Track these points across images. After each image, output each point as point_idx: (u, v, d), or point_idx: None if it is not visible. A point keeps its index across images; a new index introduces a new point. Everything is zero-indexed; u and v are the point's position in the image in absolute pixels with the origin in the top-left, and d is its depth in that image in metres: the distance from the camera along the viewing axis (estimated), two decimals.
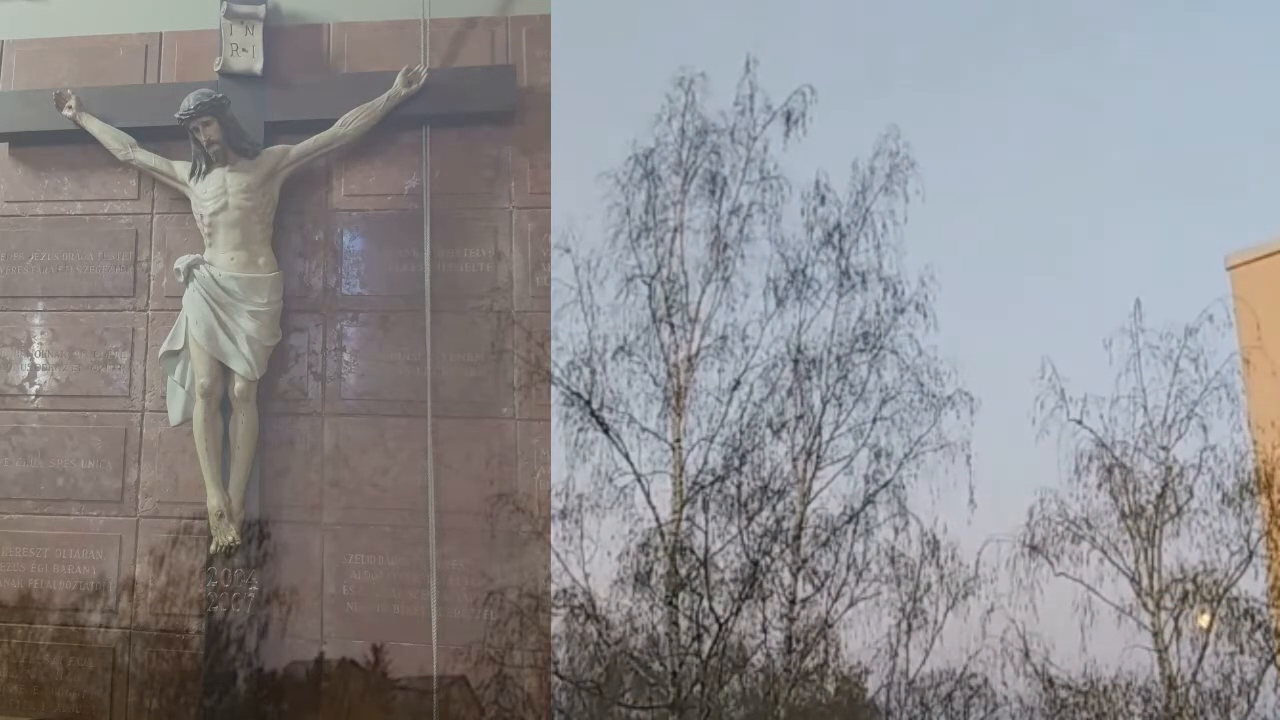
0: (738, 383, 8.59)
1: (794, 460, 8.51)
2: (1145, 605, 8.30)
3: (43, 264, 9.56)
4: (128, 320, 9.41)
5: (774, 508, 8.46)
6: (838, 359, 8.59)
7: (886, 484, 8.48)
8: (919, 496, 8.45)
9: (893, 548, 8.44)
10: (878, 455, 8.50)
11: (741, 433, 8.54)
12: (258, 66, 9.41)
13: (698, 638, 8.31)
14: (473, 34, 9.44)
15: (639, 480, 8.50)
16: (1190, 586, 8.28)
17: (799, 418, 8.53)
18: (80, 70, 9.71)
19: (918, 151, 8.73)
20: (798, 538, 8.41)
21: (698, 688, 8.23)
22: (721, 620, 8.31)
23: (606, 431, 8.57)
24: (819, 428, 8.52)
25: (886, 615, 8.43)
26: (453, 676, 8.56)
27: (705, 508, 8.47)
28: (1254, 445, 8.41)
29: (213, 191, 9.09)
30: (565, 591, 8.49)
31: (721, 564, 8.43)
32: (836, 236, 8.68)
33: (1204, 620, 8.19)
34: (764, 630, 8.37)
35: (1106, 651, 8.28)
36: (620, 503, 8.51)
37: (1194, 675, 8.17)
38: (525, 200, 9.21)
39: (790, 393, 8.57)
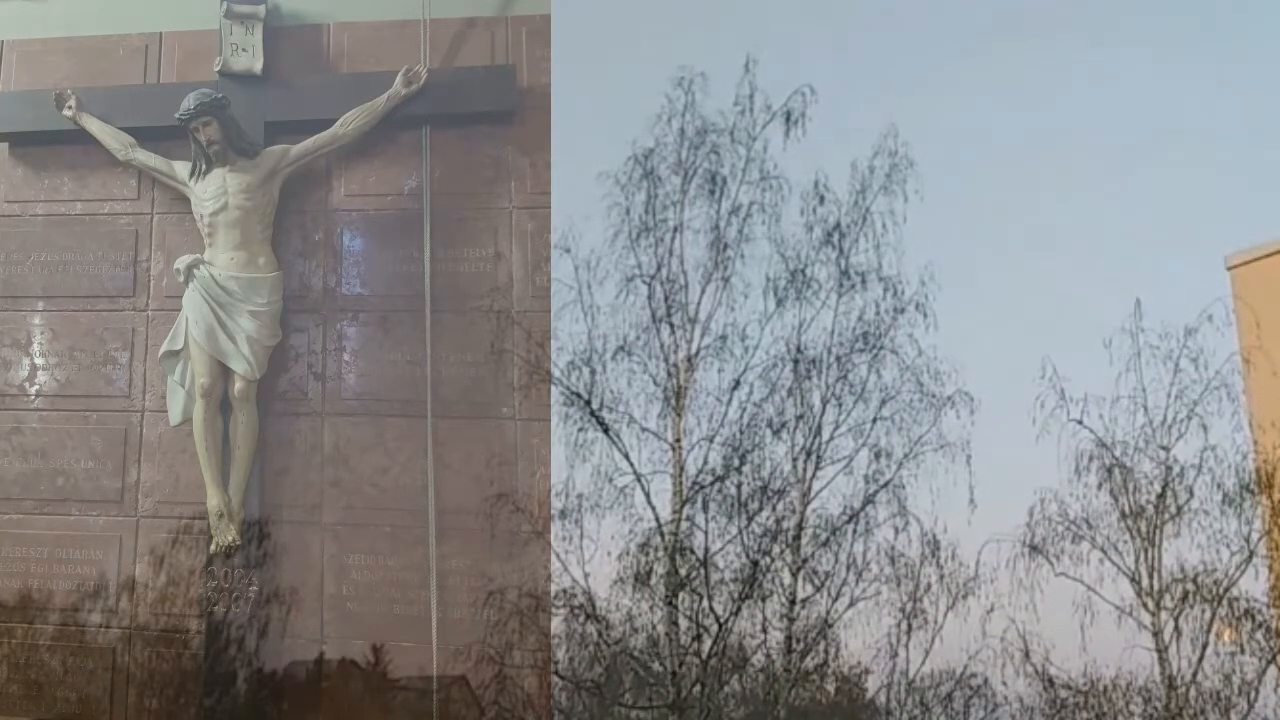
0: (738, 383, 8.59)
1: (794, 460, 8.51)
2: (1145, 605, 8.30)
3: (43, 264, 9.56)
4: (128, 320, 9.41)
5: (774, 508, 8.46)
6: (837, 359, 8.59)
7: (886, 484, 8.48)
8: (919, 496, 8.46)
9: (893, 548, 8.45)
10: (878, 455, 8.51)
11: (741, 433, 8.54)
12: (258, 66, 9.41)
13: (698, 638, 8.30)
14: (473, 34, 9.44)
15: (639, 480, 8.50)
16: (1190, 586, 8.28)
17: (799, 418, 8.53)
18: (80, 70, 9.71)
19: (917, 151, 8.75)
20: (798, 538, 8.41)
21: (698, 688, 8.22)
22: (721, 620, 8.30)
23: (606, 431, 8.57)
24: (819, 428, 8.52)
25: (886, 615, 8.45)
26: (453, 676, 8.56)
27: (705, 508, 8.47)
28: (1254, 445, 8.40)
29: (213, 191, 9.09)
30: (565, 591, 8.49)
31: (721, 564, 8.44)
32: (836, 236, 8.68)
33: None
34: (764, 630, 8.38)
35: (1106, 651, 8.29)
36: (620, 503, 8.52)
37: (1194, 675, 8.16)
38: (525, 200, 9.20)
39: (790, 393, 8.56)
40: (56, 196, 9.64)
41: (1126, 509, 8.48)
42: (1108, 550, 8.44)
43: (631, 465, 8.53)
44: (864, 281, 8.65)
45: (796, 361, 8.59)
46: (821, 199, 8.74)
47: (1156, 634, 8.24)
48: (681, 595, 8.37)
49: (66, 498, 9.18)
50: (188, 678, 8.77)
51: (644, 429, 8.58)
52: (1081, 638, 8.30)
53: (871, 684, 8.50)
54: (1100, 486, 8.53)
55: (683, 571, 8.36)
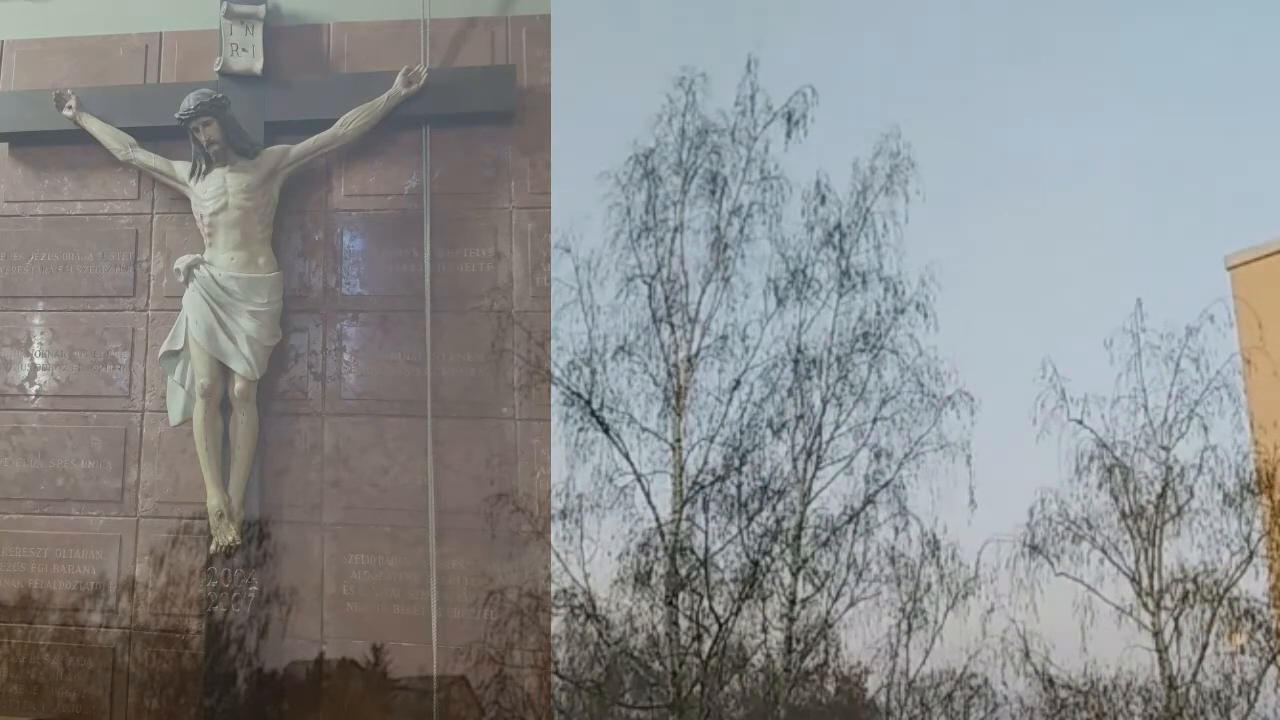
0: (738, 383, 8.60)
1: (794, 460, 8.51)
2: (1145, 605, 8.30)
3: (43, 264, 9.56)
4: (128, 320, 9.41)
5: (774, 508, 8.46)
6: (838, 359, 8.59)
7: (886, 484, 8.48)
8: (919, 496, 8.46)
9: (893, 548, 8.45)
10: (878, 455, 8.51)
11: (741, 433, 8.54)
12: (258, 66, 9.41)
13: (698, 638, 8.30)
14: (473, 34, 9.44)
15: (639, 480, 8.51)
16: (1190, 586, 8.28)
17: (799, 418, 8.53)
18: (80, 70, 9.71)
19: (918, 152, 8.75)
20: (798, 538, 8.41)
21: (698, 688, 8.23)
22: (721, 620, 8.31)
23: (606, 431, 8.57)
24: (819, 428, 8.52)
25: (886, 615, 8.45)
26: (453, 676, 8.56)
27: (705, 508, 8.47)
28: (1255, 445, 8.40)
29: (213, 191, 9.09)
30: (565, 591, 8.50)
31: (721, 564, 8.44)
32: (837, 236, 8.69)
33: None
34: (764, 630, 8.38)
35: (1106, 651, 8.28)
36: (620, 503, 8.52)
37: (1194, 675, 8.17)
38: (525, 200, 9.20)
39: (790, 393, 8.57)
40: (56, 196, 9.63)
41: (1127, 509, 8.48)
42: (1108, 550, 8.45)
43: (631, 465, 8.54)
44: (864, 281, 8.66)
45: (797, 361, 8.59)
46: (823, 199, 8.75)
47: (1156, 634, 8.25)
48: (681, 595, 8.37)
49: (66, 498, 9.18)
50: (188, 678, 8.77)
51: (644, 429, 8.59)
52: (1081, 638, 8.31)
53: (871, 684, 8.51)
54: (1100, 486, 8.54)
55: (683, 571, 8.37)
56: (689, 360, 8.64)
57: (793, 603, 8.36)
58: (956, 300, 8.68)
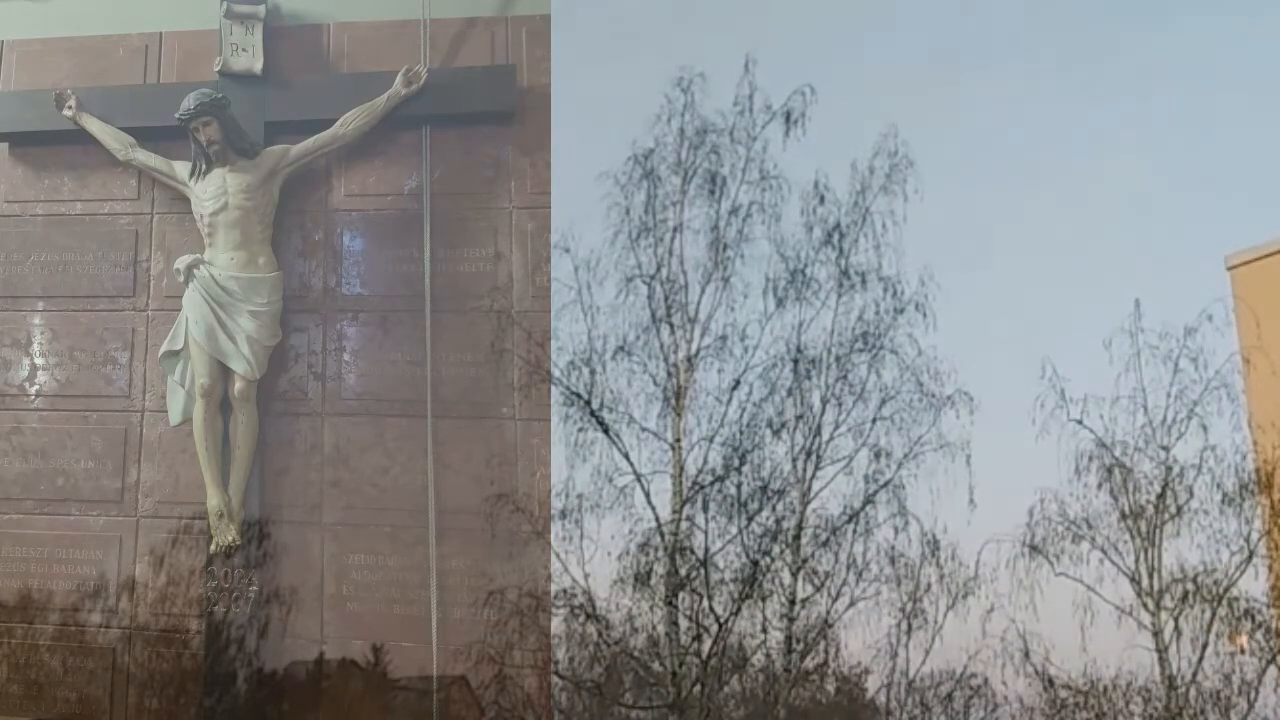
0: (737, 383, 8.60)
1: (794, 460, 8.51)
2: (1145, 605, 8.30)
3: (43, 264, 9.56)
4: (128, 320, 9.41)
5: (774, 508, 8.46)
6: (837, 359, 8.59)
7: (886, 484, 8.48)
8: (919, 496, 8.47)
9: (893, 548, 8.46)
10: (878, 455, 8.51)
11: (741, 433, 8.54)
12: (258, 66, 9.41)
13: (698, 638, 8.30)
14: (473, 34, 9.44)
15: (639, 480, 8.51)
16: (1190, 586, 8.29)
17: (799, 418, 8.53)
18: (80, 70, 9.71)
19: (916, 151, 8.75)
20: (798, 538, 8.41)
21: (698, 688, 8.23)
22: (721, 620, 8.31)
23: (606, 431, 8.57)
24: (819, 428, 8.52)
25: (886, 615, 8.45)
26: (453, 676, 8.56)
27: (705, 508, 8.47)
28: (1254, 445, 8.40)
29: (213, 191, 9.10)
30: (565, 591, 8.50)
31: (721, 564, 8.44)
32: (836, 236, 8.69)
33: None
34: (764, 630, 8.38)
35: (1106, 651, 8.29)
36: (620, 503, 8.52)
37: (1194, 675, 8.17)
38: (525, 200, 9.21)
39: (790, 393, 8.57)
40: (56, 196, 9.64)
41: (1126, 509, 8.48)
42: (1108, 550, 8.45)
43: (631, 465, 8.54)
44: (864, 281, 8.66)
45: (796, 361, 8.59)
46: (821, 199, 8.75)
47: (1156, 634, 8.25)
48: (681, 595, 8.37)
49: (66, 498, 9.19)
50: (188, 678, 8.77)
51: (644, 429, 8.59)
52: (1081, 638, 8.32)
53: (871, 684, 8.51)
54: (1100, 486, 8.54)
55: (683, 571, 8.37)
56: (689, 360, 8.64)
57: (793, 603, 8.36)
58: (956, 300, 8.71)
